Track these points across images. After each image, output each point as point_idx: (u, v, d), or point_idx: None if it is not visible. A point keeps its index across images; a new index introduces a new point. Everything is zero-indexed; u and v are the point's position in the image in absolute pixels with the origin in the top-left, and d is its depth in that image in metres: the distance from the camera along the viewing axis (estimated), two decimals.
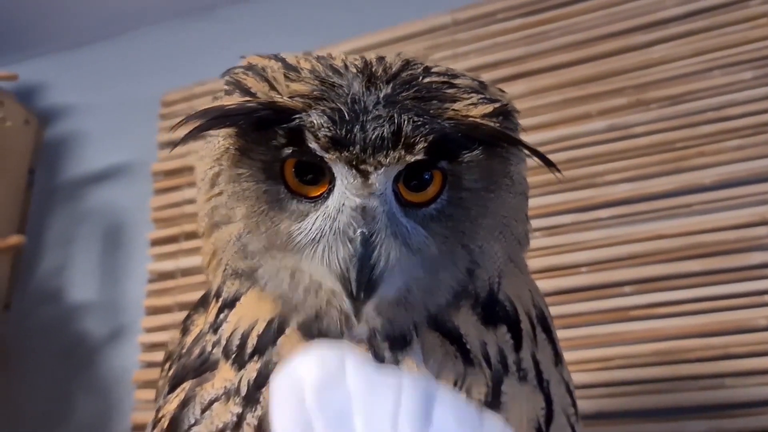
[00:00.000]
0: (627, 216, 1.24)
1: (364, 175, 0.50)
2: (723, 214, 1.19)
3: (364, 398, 0.34)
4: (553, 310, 1.21)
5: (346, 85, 0.51)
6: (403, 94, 0.51)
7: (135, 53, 1.84)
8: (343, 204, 0.50)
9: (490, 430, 0.35)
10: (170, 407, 0.58)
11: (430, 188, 0.53)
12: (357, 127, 0.49)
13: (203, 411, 0.55)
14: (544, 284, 1.24)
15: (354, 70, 0.53)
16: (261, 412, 0.52)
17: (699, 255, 1.18)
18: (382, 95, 0.51)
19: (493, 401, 0.54)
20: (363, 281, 0.50)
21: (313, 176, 0.52)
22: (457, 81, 0.54)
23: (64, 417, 1.57)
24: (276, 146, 0.52)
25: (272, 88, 0.52)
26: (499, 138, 0.54)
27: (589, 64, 1.36)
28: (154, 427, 0.59)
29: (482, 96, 0.53)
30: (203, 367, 0.58)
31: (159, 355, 1.46)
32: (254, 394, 0.53)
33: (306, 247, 0.52)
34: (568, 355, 1.17)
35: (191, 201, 1.60)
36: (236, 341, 0.56)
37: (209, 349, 0.58)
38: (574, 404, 0.63)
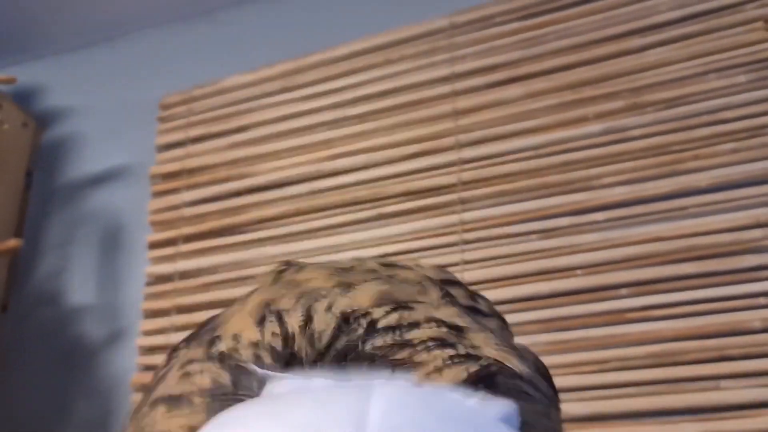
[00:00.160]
0: (623, 219, 1.25)
1: None
2: (718, 216, 1.20)
3: None
4: (549, 313, 1.23)
5: (256, 387, 0.35)
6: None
7: (133, 56, 1.85)
8: None
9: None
10: None
11: None
12: None
13: None
14: (539, 287, 1.25)
15: (268, 359, 0.35)
16: None
17: (694, 257, 1.19)
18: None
19: None
20: None
21: None
22: (415, 333, 0.36)
23: (61, 420, 1.57)
24: None
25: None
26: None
27: (585, 68, 1.37)
28: None
29: (453, 353, 0.36)
30: None
31: (157, 359, 1.47)
32: None
33: None
34: (563, 358, 1.18)
35: (189, 204, 1.60)
36: None
37: None
38: None
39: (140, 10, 1.81)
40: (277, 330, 0.36)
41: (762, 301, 1.13)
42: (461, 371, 0.35)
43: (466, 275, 1.30)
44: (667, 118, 1.28)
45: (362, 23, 1.59)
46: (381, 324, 0.36)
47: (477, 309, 0.41)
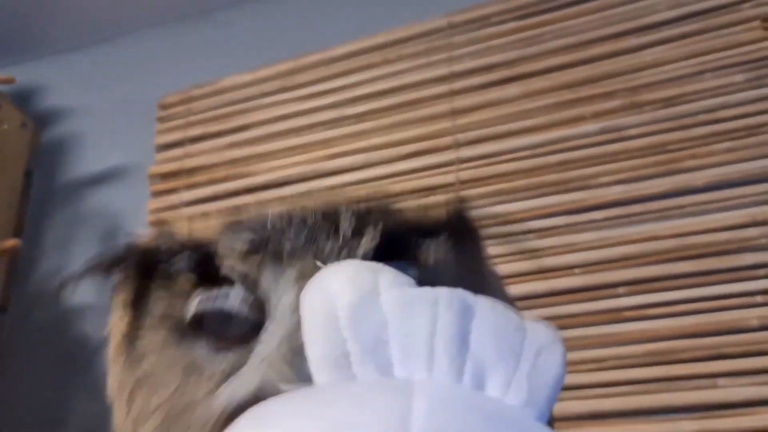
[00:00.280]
0: (620, 218, 1.25)
1: (302, 262, 0.38)
2: (715, 215, 1.20)
3: (398, 321, 0.31)
4: (546, 312, 1.23)
5: (267, 215, 0.40)
6: (336, 211, 0.41)
7: (132, 56, 1.85)
8: (278, 310, 0.37)
9: (532, 346, 0.32)
10: None
11: None
12: (283, 235, 0.38)
13: None
14: (537, 285, 1.25)
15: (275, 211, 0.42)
16: None
17: (692, 256, 1.19)
18: (309, 222, 0.40)
19: None
20: None
21: (238, 321, 0.39)
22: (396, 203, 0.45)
23: (61, 420, 1.57)
24: (183, 293, 0.40)
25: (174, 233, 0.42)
26: (463, 223, 0.45)
27: (583, 67, 1.37)
28: None
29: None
30: None
31: None
32: None
33: (236, 407, 0.36)
34: None
35: (188, 204, 1.61)
36: None
37: None
38: None
39: (139, 10, 1.81)
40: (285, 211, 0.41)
41: (759, 299, 1.13)
42: (441, 210, 0.43)
43: None
44: (664, 117, 1.28)
45: (360, 23, 1.59)
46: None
47: None
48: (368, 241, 0.38)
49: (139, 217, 1.65)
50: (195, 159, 1.63)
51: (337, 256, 0.38)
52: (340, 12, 1.64)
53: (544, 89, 1.39)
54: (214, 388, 0.37)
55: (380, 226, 0.39)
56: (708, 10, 1.33)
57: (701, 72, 1.29)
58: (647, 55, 1.34)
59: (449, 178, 1.39)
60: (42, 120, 1.90)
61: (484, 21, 1.49)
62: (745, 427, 1.08)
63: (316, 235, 0.38)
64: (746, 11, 1.30)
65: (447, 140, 1.42)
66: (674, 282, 1.18)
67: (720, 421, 1.09)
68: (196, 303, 0.39)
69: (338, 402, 0.29)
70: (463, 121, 1.42)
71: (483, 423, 0.28)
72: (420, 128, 1.45)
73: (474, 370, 0.30)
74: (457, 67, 1.47)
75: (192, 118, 1.67)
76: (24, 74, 1.88)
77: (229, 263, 0.38)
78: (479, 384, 0.30)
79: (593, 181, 1.29)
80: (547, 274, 1.25)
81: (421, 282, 0.38)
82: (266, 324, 0.37)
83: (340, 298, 0.32)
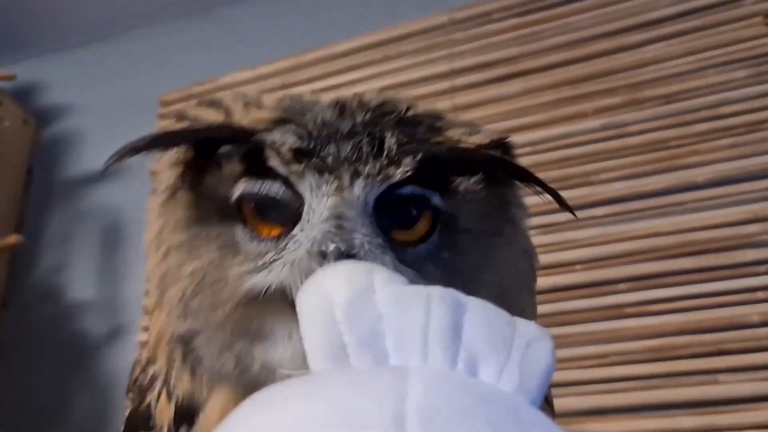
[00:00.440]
0: (621, 214, 1.25)
1: (339, 179, 0.41)
2: (716, 211, 1.20)
3: (393, 315, 0.33)
4: (549, 308, 1.23)
5: (317, 111, 0.43)
6: (384, 120, 0.43)
7: (133, 53, 1.85)
8: (313, 212, 0.41)
9: (522, 339, 0.33)
10: None
11: (419, 225, 0.43)
12: (329, 144, 0.41)
13: None
14: (539, 282, 1.24)
15: (325, 102, 0.45)
16: None
17: (692, 252, 1.19)
18: (358, 120, 0.43)
19: None
20: None
21: (276, 214, 0.42)
22: (446, 116, 0.47)
23: (62, 416, 1.57)
24: (230, 176, 0.43)
25: (228, 116, 0.45)
26: (499, 166, 0.46)
27: (584, 64, 1.37)
28: None
29: (476, 129, 0.46)
30: (151, 423, 0.50)
31: None
32: None
33: (260, 288, 0.41)
34: (563, 353, 1.19)
35: None
36: None
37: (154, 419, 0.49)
38: None
39: (140, 7, 1.81)
40: (334, 101, 0.45)
41: (760, 295, 1.13)
42: (484, 137, 0.45)
43: None
44: (665, 113, 1.28)
45: (361, 20, 1.59)
46: (419, 106, 0.46)
47: None
48: (404, 170, 0.41)
49: (139, 213, 1.65)
50: None
51: (375, 177, 0.41)
52: (341, 9, 1.64)
53: (545, 86, 1.38)
54: (245, 271, 0.42)
55: (419, 157, 0.41)
56: (709, 7, 1.32)
57: (702, 68, 1.29)
58: (648, 52, 1.34)
59: None
60: (43, 117, 1.89)
61: (484, 18, 1.49)
62: (745, 422, 1.08)
63: (357, 152, 0.41)
64: (748, 7, 1.30)
65: None
66: (675, 278, 1.19)
67: (721, 417, 1.09)
68: (241, 187, 0.42)
69: (337, 385, 0.30)
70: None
71: (477, 402, 0.29)
72: None
73: (467, 359, 0.31)
74: (458, 64, 1.47)
75: None
76: (25, 71, 1.88)
77: (275, 162, 0.41)
78: (472, 371, 0.31)
79: (594, 178, 1.29)
80: (549, 270, 1.25)
81: (445, 214, 0.43)
82: (299, 225, 0.41)
83: (336, 296, 0.33)
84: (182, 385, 0.46)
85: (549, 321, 1.24)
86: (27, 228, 1.78)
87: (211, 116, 0.45)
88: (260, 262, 0.42)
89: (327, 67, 1.58)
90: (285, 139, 0.41)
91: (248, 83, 1.64)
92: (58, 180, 1.82)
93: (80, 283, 1.69)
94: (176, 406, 0.46)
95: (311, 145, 0.41)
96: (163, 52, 1.81)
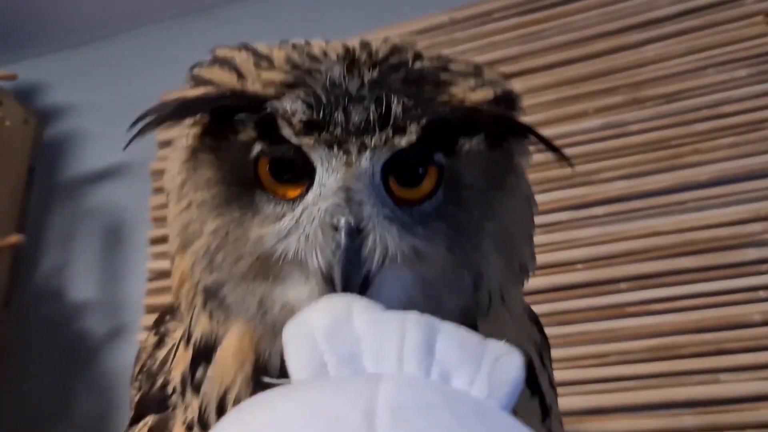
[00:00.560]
0: (622, 213, 1.25)
1: (347, 154, 0.43)
2: (718, 210, 1.20)
3: (371, 336, 0.36)
4: (549, 307, 1.23)
5: (325, 70, 0.45)
6: (391, 77, 0.45)
7: (134, 52, 1.85)
8: (324, 187, 0.44)
9: (492, 354, 0.36)
10: None
11: (424, 183, 0.46)
12: (338, 110, 0.43)
13: None
14: (540, 281, 1.25)
15: (334, 56, 0.47)
16: None
17: (694, 252, 1.19)
18: (366, 79, 0.44)
19: None
20: (353, 282, 0.42)
21: (291, 176, 0.46)
22: (452, 66, 0.49)
23: (63, 415, 1.58)
24: (246, 142, 0.46)
25: (240, 78, 0.47)
26: (503, 125, 0.48)
27: (585, 63, 1.37)
28: None
29: (481, 80, 0.48)
30: (165, 404, 0.53)
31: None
32: None
33: (279, 251, 0.45)
34: (564, 352, 1.19)
35: None
36: (213, 415, 0.48)
37: (170, 392, 0.53)
38: None
39: (141, 7, 1.81)
40: (340, 44, 0.48)
41: (761, 294, 1.13)
42: (489, 91, 0.47)
43: None
44: (667, 112, 1.28)
45: (361, 19, 1.59)
46: (425, 55, 0.48)
47: None
48: (409, 138, 0.43)
49: (141, 213, 1.65)
50: None
51: (382, 148, 0.44)
52: (341, 9, 1.64)
53: (546, 85, 1.38)
54: (265, 233, 0.46)
55: (423, 122, 0.43)
56: (710, 6, 1.32)
57: (704, 67, 1.29)
58: (649, 51, 1.34)
59: None
60: (44, 116, 1.90)
61: (485, 17, 1.49)
62: (747, 421, 1.08)
63: (365, 121, 0.43)
64: (749, 6, 1.30)
65: None
66: (677, 277, 1.18)
67: (722, 416, 1.09)
68: (257, 151, 0.46)
69: (315, 388, 0.34)
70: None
71: (445, 399, 0.32)
72: None
73: (440, 371, 0.34)
74: None
75: None
76: (26, 71, 1.88)
77: (287, 132, 0.44)
78: (445, 380, 0.34)
79: (596, 177, 1.29)
80: (550, 270, 1.25)
81: (449, 171, 0.46)
82: (312, 193, 0.44)
83: (317, 322, 0.37)
84: (201, 326, 0.50)
85: (549, 320, 1.24)
86: (28, 228, 1.78)
87: (225, 78, 0.48)
88: (278, 227, 0.45)
89: None
90: (296, 108, 0.43)
91: None
92: (59, 180, 1.82)
93: (82, 283, 1.69)
94: (194, 349, 0.50)
95: (320, 115, 0.43)
96: (165, 51, 1.81)
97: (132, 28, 1.87)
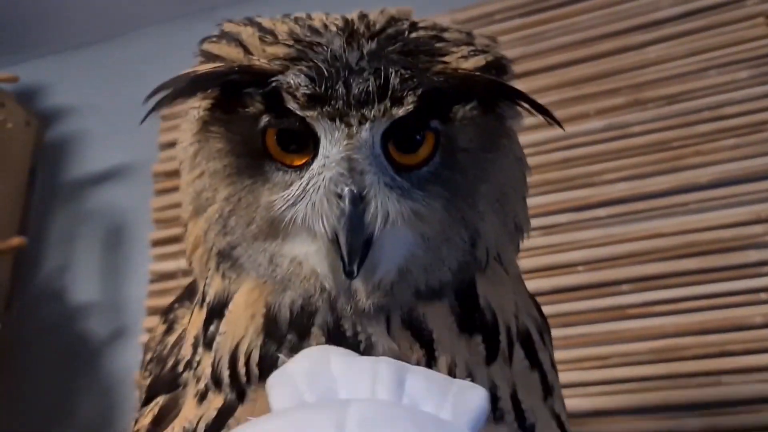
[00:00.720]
0: (624, 215, 1.25)
1: (349, 126, 0.46)
2: (719, 212, 1.20)
3: (346, 375, 0.40)
4: (550, 309, 1.21)
5: (326, 43, 0.48)
6: (389, 49, 0.48)
7: (136, 54, 1.85)
8: (327, 158, 0.47)
9: (458, 388, 0.39)
10: (144, 422, 0.56)
11: (421, 149, 0.49)
12: (339, 83, 0.46)
13: None
14: (541, 283, 1.25)
15: (334, 29, 0.50)
16: None
17: (696, 253, 1.19)
18: (365, 51, 0.48)
19: None
20: (356, 246, 0.45)
21: (297, 145, 0.49)
22: (446, 35, 0.52)
23: (65, 417, 1.58)
24: (254, 114, 0.49)
25: (247, 52, 0.50)
26: (495, 91, 0.51)
27: (587, 64, 1.37)
28: None
29: (473, 48, 0.50)
30: (176, 383, 0.55)
31: None
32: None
33: (288, 217, 0.48)
34: (565, 354, 1.19)
35: None
36: (226, 369, 0.51)
37: (180, 370, 0.55)
38: None
39: (142, 8, 1.81)
40: (339, 17, 0.52)
41: (763, 296, 1.13)
42: (481, 59, 0.49)
43: None
44: (669, 114, 1.28)
45: None
46: (421, 24, 0.52)
47: None
48: (406, 108, 0.46)
49: (143, 214, 1.65)
50: None
51: (381, 119, 0.47)
52: (342, 9, 1.64)
53: (548, 86, 1.38)
54: (275, 199, 0.49)
55: (419, 92, 0.46)
56: (712, 7, 1.32)
57: (705, 69, 1.29)
58: (651, 52, 1.34)
59: None
60: (46, 118, 1.90)
61: (487, 18, 1.49)
62: (749, 424, 1.08)
63: (364, 94, 0.46)
64: (750, 8, 1.30)
65: None
66: (678, 279, 1.18)
67: (724, 419, 1.09)
68: (264, 123, 0.49)
69: (295, 410, 0.38)
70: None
71: (412, 416, 0.37)
72: None
73: (409, 400, 0.39)
74: None
75: None
76: (28, 73, 1.88)
77: (292, 105, 0.47)
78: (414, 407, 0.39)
79: (597, 179, 1.29)
80: (551, 272, 1.25)
81: (445, 136, 0.50)
82: (317, 162, 0.48)
83: (297, 369, 0.41)
84: (214, 286, 0.53)
85: (551, 322, 1.23)
86: (30, 230, 1.78)
87: (233, 53, 0.51)
88: (286, 194, 0.49)
89: None
90: (299, 82, 0.46)
91: None
92: (61, 181, 1.82)
93: (83, 285, 1.69)
94: (208, 309, 0.53)
95: (323, 88, 0.46)
96: (166, 53, 1.80)
97: (134, 30, 1.87)
